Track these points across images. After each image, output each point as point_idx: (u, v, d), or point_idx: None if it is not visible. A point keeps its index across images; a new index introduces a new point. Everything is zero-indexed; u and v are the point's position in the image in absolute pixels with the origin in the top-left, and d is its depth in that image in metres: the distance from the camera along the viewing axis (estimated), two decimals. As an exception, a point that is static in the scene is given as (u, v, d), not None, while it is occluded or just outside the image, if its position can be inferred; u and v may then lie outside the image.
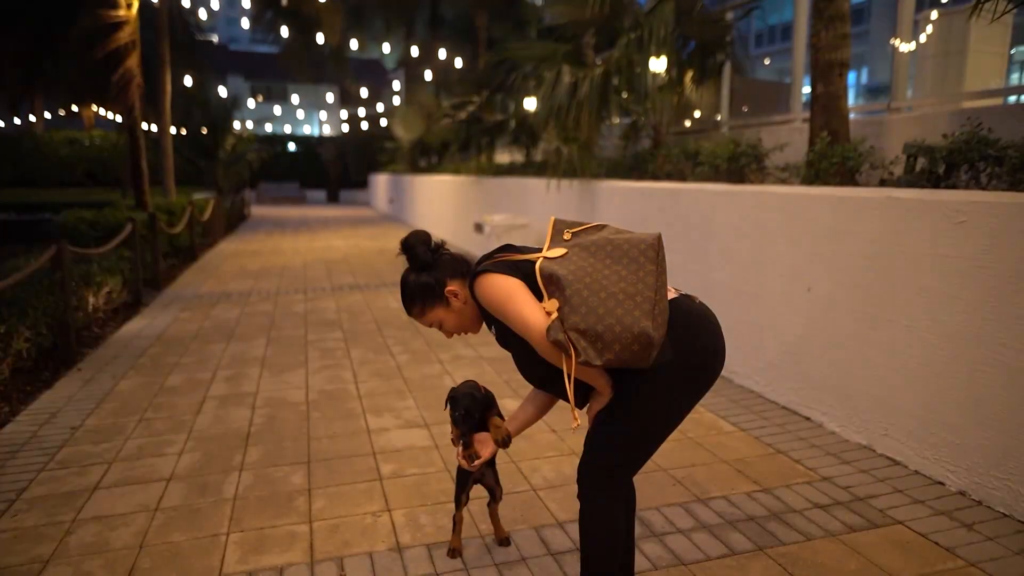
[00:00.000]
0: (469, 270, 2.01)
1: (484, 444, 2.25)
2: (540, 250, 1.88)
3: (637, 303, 1.67)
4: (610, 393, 1.84)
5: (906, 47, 5.60)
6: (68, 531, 2.73)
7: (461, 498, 2.47)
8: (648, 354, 1.65)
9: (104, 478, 3.20)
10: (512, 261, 1.87)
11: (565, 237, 1.89)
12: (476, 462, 2.22)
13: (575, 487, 1.97)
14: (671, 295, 1.87)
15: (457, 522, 2.53)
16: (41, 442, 3.62)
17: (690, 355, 1.81)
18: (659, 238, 1.79)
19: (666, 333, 1.73)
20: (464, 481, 2.45)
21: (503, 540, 2.59)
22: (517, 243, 1.96)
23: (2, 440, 3.64)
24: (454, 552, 2.53)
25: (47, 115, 26.57)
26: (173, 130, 14.93)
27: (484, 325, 2.06)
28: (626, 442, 1.88)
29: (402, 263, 2.05)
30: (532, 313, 1.74)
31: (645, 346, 1.64)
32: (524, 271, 1.83)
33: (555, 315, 1.70)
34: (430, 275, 1.99)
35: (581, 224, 1.92)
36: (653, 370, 1.75)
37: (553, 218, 1.95)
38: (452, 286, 1.99)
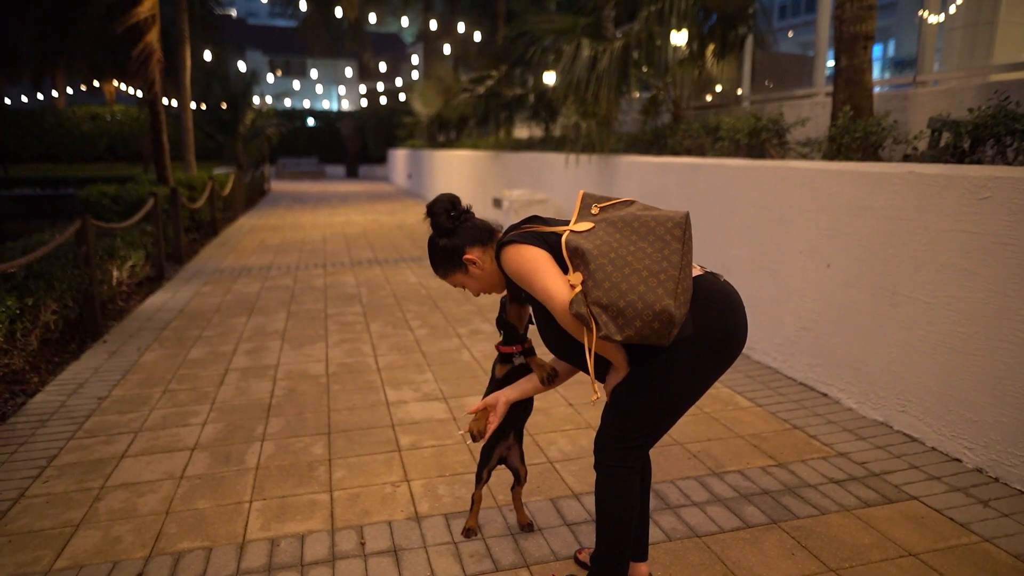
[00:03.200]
0: (491, 238, 2.05)
1: (494, 411, 2.19)
2: (568, 223, 1.89)
3: (660, 281, 1.67)
4: (627, 369, 1.86)
5: (934, 18, 5.47)
6: (97, 497, 2.81)
7: (482, 474, 2.43)
8: (668, 332, 1.66)
9: (131, 447, 3.28)
10: (539, 232, 1.88)
11: (593, 211, 1.89)
12: (481, 440, 2.17)
13: (591, 459, 2.00)
14: (696, 272, 1.87)
15: (475, 501, 2.51)
16: (70, 411, 3.71)
17: (711, 333, 1.82)
18: (687, 216, 1.79)
19: (689, 310, 1.74)
20: (488, 458, 2.42)
21: (525, 526, 2.54)
22: None
23: (32, 409, 3.75)
24: (469, 532, 2.51)
25: (69, 90, 26.87)
26: (193, 105, 15.00)
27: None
28: (643, 415, 1.90)
29: (423, 235, 2.07)
30: (556, 285, 1.76)
31: (666, 324, 1.65)
32: (550, 243, 1.85)
33: (578, 288, 1.72)
34: (450, 241, 2.03)
35: (609, 199, 1.93)
36: (673, 346, 1.76)
37: (582, 192, 1.95)
38: (471, 254, 2.02)
